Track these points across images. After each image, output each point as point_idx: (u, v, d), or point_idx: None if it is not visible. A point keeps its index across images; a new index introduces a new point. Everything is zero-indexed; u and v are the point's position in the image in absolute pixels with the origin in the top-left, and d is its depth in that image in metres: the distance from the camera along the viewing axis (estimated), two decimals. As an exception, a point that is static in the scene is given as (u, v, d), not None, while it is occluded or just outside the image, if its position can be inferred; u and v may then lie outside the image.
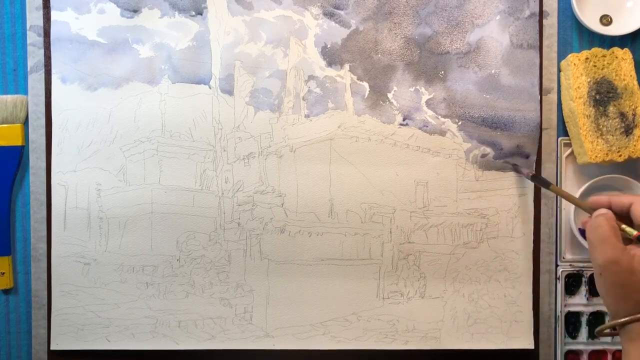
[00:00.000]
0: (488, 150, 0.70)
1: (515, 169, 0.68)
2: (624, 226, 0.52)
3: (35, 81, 0.69)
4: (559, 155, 0.70)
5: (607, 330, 0.51)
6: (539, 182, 0.66)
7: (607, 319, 0.51)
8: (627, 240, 0.51)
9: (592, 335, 0.71)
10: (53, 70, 0.68)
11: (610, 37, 0.69)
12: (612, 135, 0.67)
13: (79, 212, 0.69)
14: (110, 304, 0.69)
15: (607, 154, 0.66)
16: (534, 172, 0.65)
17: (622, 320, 0.48)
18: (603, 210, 0.52)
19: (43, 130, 0.69)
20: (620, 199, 0.53)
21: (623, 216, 0.52)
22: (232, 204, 0.69)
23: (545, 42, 0.70)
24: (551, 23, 0.70)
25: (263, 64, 0.69)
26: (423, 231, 0.70)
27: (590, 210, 0.55)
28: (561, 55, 0.70)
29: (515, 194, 0.70)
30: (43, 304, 0.69)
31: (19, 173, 0.70)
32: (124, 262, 0.69)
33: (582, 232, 0.70)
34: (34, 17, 0.68)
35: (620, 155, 0.67)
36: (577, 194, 0.69)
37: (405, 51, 0.69)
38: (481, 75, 0.69)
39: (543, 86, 0.70)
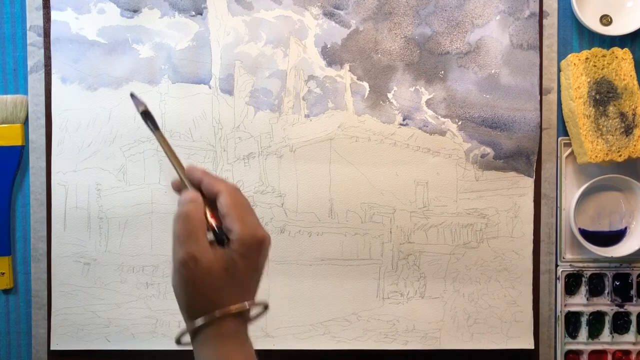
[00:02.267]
0: (488, 150, 0.70)
1: (132, 98, 0.53)
2: (209, 212, 0.45)
3: (35, 81, 0.69)
4: (559, 155, 0.70)
5: (185, 341, 0.45)
6: (149, 123, 0.51)
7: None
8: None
9: (592, 335, 0.71)
10: (53, 70, 0.68)
11: (610, 37, 0.69)
12: (612, 135, 0.67)
13: (79, 212, 0.69)
14: (110, 304, 0.69)
15: (607, 154, 0.67)
16: (147, 109, 0.51)
17: (201, 323, 0.43)
18: (194, 196, 0.46)
19: (43, 130, 0.69)
20: (212, 185, 0.46)
21: (212, 200, 0.46)
22: (232, 204, 0.69)
23: (545, 42, 0.70)
24: (551, 23, 0.70)
25: (263, 64, 0.69)
26: (423, 231, 0.70)
27: (184, 178, 0.48)
28: (561, 55, 0.70)
29: (515, 194, 0.70)
30: (43, 304, 0.69)
31: (19, 173, 0.70)
32: (124, 262, 0.69)
33: (582, 233, 0.70)
34: (34, 17, 0.68)
35: (620, 155, 0.67)
36: (577, 194, 0.69)
37: (405, 51, 0.69)
38: (481, 75, 0.69)
39: (543, 86, 0.70)
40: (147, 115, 0.51)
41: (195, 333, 0.44)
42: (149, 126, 0.51)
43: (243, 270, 0.44)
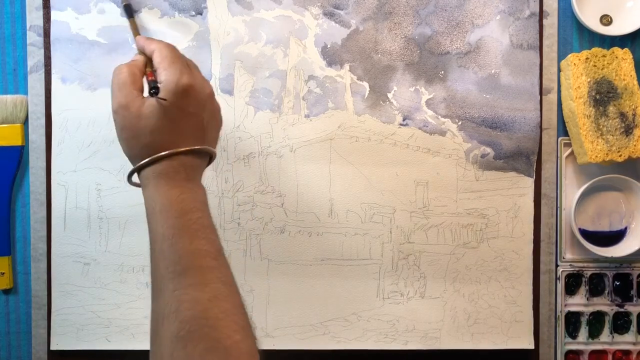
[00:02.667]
0: (488, 150, 0.70)
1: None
2: (147, 70, 0.51)
3: (35, 81, 0.69)
4: (559, 155, 0.70)
5: (135, 181, 0.51)
6: (125, 12, 0.65)
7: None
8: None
9: (592, 335, 0.71)
10: (53, 70, 0.68)
11: (610, 37, 0.69)
12: (612, 135, 0.67)
13: (79, 212, 0.69)
14: (110, 304, 0.69)
15: (607, 154, 0.66)
16: (128, 1, 0.64)
17: (136, 166, 0.48)
18: (137, 57, 0.53)
19: (43, 130, 0.69)
20: (149, 47, 0.52)
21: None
22: (232, 204, 0.69)
23: (545, 42, 0.70)
24: (551, 23, 0.70)
25: (263, 64, 0.69)
26: (423, 231, 0.70)
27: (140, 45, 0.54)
28: (561, 55, 0.70)
29: (515, 194, 0.70)
30: (43, 304, 0.69)
31: (19, 173, 0.70)
32: (124, 262, 0.69)
33: (582, 233, 0.70)
34: (34, 17, 0.68)
35: (620, 155, 0.67)
36: (577, 194, 0.69)
37: (405, 51, 0.69)
38: (481, 75, 0.69)
39: (543, 86, 0.70)
40: (127, 8, 0.64)
41: (140, 177, 0.49)
42: (127, 15, 0.63)
43: (172, 115, 0.48)
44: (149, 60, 0.52)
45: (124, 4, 0.65)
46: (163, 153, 0.48)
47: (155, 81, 0.49)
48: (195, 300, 0.44)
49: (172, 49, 0.51)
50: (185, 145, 0.48)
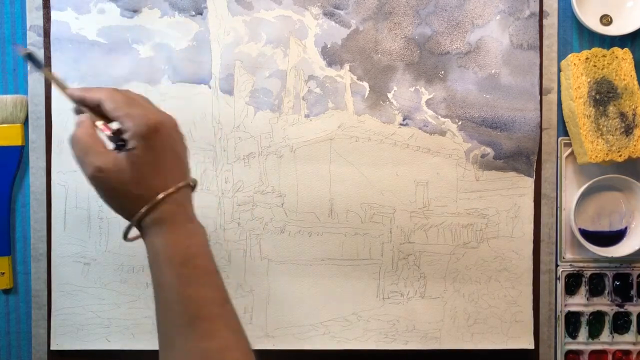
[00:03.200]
0: (488, 150, 0.70)
1: (16, 49, 0.58)
2: (99, 124, 0.48)
3: (35, 81, 0.69)
4: (559, 155, 0.70)
5: (132, 235, 0.48)
6: (33, 63, 0.53)
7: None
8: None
9: (592, 335, 0.71)
10: (53, 70, 0.68)
11: (610, 37, 0.69)
12: (612, 135, 0.67)
13: (79, 212, 0.69)
14: (110, 304, 0.69)
15: (607, 154, 0.66)
16: (29, 50, 0.53)
17: (132, 221, 0.46)
18: (78, 118, 0.48)
19: (43, 130, 0.69)
20: (92, 98, 0.48)
21: (99, 112, 0.48)
22: (232, 204, 0.69)
23: (545, 42, 0.70)
24: (551, 23, 0.70)
25: (263, 64, 0.69)
26: (423, 231, 0.70)
27: (75, 103, 0.50)
28: (561, 55, 0.70)
29: (515, 194, 0.70)
30: (43, 304, 0.69)
31: (19, 173, 0.70)
32: (124, 262, 0.69)
33: (582, 233, 0.70)
34: (34, 17, 0.68)
35: (620, 155, 0.67)
36: (577, 194, 0.69)
37: (405, 51, 0.69)
38: (481, 75, 0.69)
39: (543, 86, 0.70)
40: (29, 56, 0.53)
41: (140, 229, 0.47)
42: (34, 65, 0.53)
43: (150, 158, 0.46)
44: (93, 111, 0.48)
45: (25, 53, 0.52)
46: (158, 198, 0.46)
47: (117, 133, 0.47)
48: (205, 352, 0.43)
49: (119, 91, 0.48)
50: (174, 184, 0.47)
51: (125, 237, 0.49)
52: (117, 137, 0.47)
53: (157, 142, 0.46)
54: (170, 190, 0.46)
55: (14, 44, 0.58)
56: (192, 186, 0.49)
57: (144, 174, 0.46)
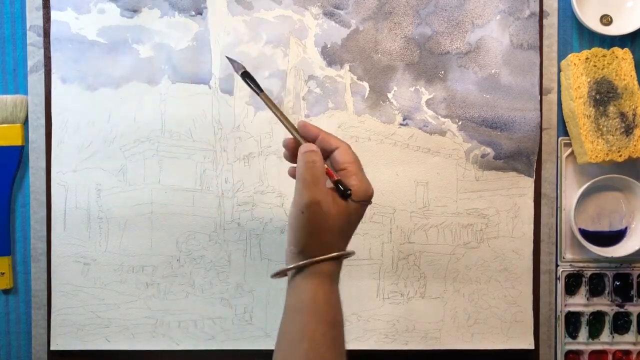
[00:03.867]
0: (488, 150, 0.70)
1: (230, 61, 0.58)
2: (326, 164, 0.51)
3: (35, 81, 0.69)
4: (559, 155, 0.70)
5: (290, 273, 0.51)
6: (250, 84, 0.56)
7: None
8: None
9: (592, 335, 0.71)
10: (53, 70, 0.68)
11: (610, 37, 0.69)
12: (612, 135, 0.67)
13: (79, 212, 0.69)
14: (110, 304, 0.69)
15: (607, 154, 0.66)
16: (246, 70, 0.57)
17: (318, 259, 0.48)
18: (314, 147, 0.51)
19: (43, 130, 0.69)
20: (329, 140, 0.52)
21: (324, 156, 0.51)
22: (232, 204, 0.69)
23: (545, 42, 0.70)
24: (551, 23, 0.70)
25: (263, 64, 0.69)
26: (423, 231, 0.70)
27: (298, 135, 0.53)
28: (561, 55, 0.70)
29: (515, 194, 0.70)
30: (43, 304, 0.69)
31: (19, 173, 0.70)
32: (124, 262, 0.69)
33: (582, 233, 0.70)
34: (34, 17, 0.68)
35: (620, 155, 0.67)
36: (577, 194, 0.69)
37: (405, 51, 0.69)
38: (481, 75, 0.69)
39: (543, 86, 0.70)
40: (247, 76, 0.56)
41: (300, 268, 0.49)
42: (251, 87, 0.56)
43: (352, 221, 0.51)
44: (323, 154, 0.51)
45: (241, 72, 0.56)
46: (341, 253, 0.49)
47: (342, 182, 0.50)
48: None
49: (352, 150, 0.52)
50: (344, 249, 0.50)
51: (277, 273, 0.51)
52: (344, 185, 0.50)
53: (362, 211, 0.51)
54: (349, 252, 0.50)
55: (229, 57, 0.59)
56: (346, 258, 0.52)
57: (342, 229, 0.50)
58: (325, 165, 0.50)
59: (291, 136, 0.53)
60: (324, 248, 0.49)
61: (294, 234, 0.49)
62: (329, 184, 0.50)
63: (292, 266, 0.49)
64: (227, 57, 0.60)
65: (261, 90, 0.56)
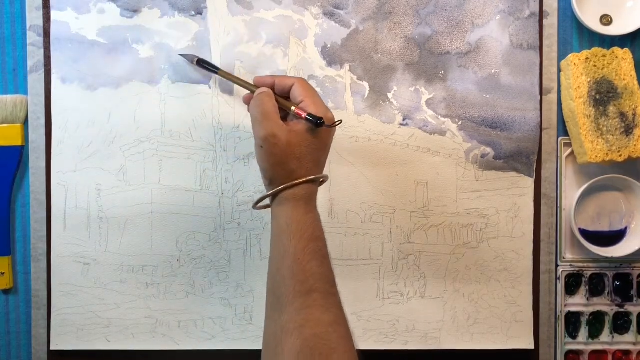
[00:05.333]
0: (488, 150, 0.70)
1: (183, 56, 0.67)
2: (285, 102, 0.56)
3: (35, 81, 0.69)
4: (559, 155, 0.70)
5: (263, 203, 0.56)
6: (207, 67, 0.66)
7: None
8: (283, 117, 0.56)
9: (592, 335, 0.71)
10: (53, 70, 0.68)
11: (610, 37, 0.69)
12: (612, 135, 0.67)
13: (79, 212, 0.69)
14: (110, 304, 0.69)
15: (607, 154, 0.66)
16: (199, 57, 0.66)
17: (281, 187, 0.52)
18: (264, 89, 0.57)
19: (43, 130, 0.69)
20: (283, 80, 0.57)
21: (284, 96, 0.57)
22: (232, 204, 0.69)
23: (545, 42, 0.70)
24: (551, 23, 0.70)
25: (263, 64, 0.69)
26: (423, 231, 0.70)
27: (255, 89, 0.58)
28: (561, 55, 0.70)
29: (516, 194, 0.70)
30: (43, 304, 0.69)
31: (19, 173, 0.70)
32: (124, 262, 0.69)
33: (582, 233, 0.70)
34: (34, 17, 0.68)
35: (620, 155, 0.67)
36: (577, 194, 0.69)
37: (405, 51, 0.69)
38: (481, 75, 0.69)
39: (543, 86, 0.70)
40: (201, 63, 0.65)
41: (275, 196, 0.53)
42: (210, 70, 0.65)
43: (315, 146, 0.53)
44: (278, 94, 0.57)
45: (196, 60, 0.66)
46: (309, 178, 0.53)
47: (313, 115, 0.53)
48: (319, 321, 0.48)
49: (307, 83, 0.57)
50: (318, 173, 0.54)
51: (256, 204, 0.56)
52: (312, 115, 0.53)
53: (325, 135, 0.54)
54: (319, 175, 0.54)
55: (181, 54, 0.67)
56: (323, 181, 0.56)
57: (306, 155, 0.53)
58: (293, 108, 0.54)
59: (249, 92, 0.60)
60: (292, 175, 0.52)
61: (261, 167, 0.54)
62: (302, 122, 0.54)
63: (262, 196, 0.55)
64: (180, 55, 0.67)
65: (218, 69, 0.64)
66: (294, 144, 0.52)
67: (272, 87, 0.57)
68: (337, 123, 0.54)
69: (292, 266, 0.50)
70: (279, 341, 0.47)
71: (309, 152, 0.53)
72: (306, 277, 0.49)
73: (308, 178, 0.52)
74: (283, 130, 0.52)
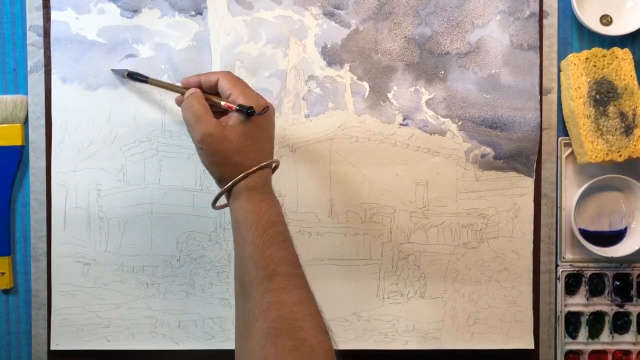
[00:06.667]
0: (488, 150, 0.70)
1: (114, 72, 0.68)
2: (214, 99, 0.56)
3: (35, 81, 0.69)
4: (559, 155, 0.70)
5: (220, 202, 0.56)
6: (138, 79, 0.66)
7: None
8: (220, 113, 0.56)
9: (592, 335, 0.71)
10: (53, 70, 0.68)
11: (610, 37, 0.69)
12: (612, 135, 0.67)
13: (79, 212, 0.69)
14: (110, 304, 0.69)
15: (607, 154, 0.67)
16: (129, 71, 0.66)
17: (230, 183, 0.53)
18: (192, 90, 0.57)
19: (43, 130, 0.69)
20: (208, 77, 0.58)
21: (213, 92, 0.58)
22: (232, 204, 0.69)
23: (545, 42, 0.70)
24: (551, 23, 0.70)
25: (263, 64, 0.69)
26: (423, 231, 0.70)
27: (185, 91, 0.59)
28: (561, 55, 0.70)
29: (515, 194, 0.70)
30: (43, 304, 0.69)
31: (19, 173, 0.70)
32: (124, 262, 0.69)
33: (582, 233, 0.70)
34: (34, 17, 0.68)
35: (620, 155, 0.67)
36: (577, 194, 0.69)
37: (405, 51, 0.69)
38: (481, 75, 0.69)
39: (543, 86, 0.70)
40: (132, 75, 0.66)
41: (228, 192, 0.54)
42: (140, 81, 0.65)
43: (254, 135, 0.54)
44: (207, 91, 0.58)
45: (127, 74, 0.66)
46: (254, 168, 0.53)
47: (243, 105, 0.54)
48: (282, 303, 0.48)
49: (234, 74, 0.57)
50: (265, 160, 0.54)
51: (214, 204, 0.56)
52: (249, 107, 0.53)
53: (262, 121, 0.55)
54: (264, 164, 0.54)
55: (113, 69, 0.68)
56: (275, 166, 0.57)
57: (246, 146, 0.53)
58: (223, 102, 0.55)
59: (179, 94, 0.61)
60: (237, 168, 0.53)
61: (208, 170, 0.55)
62: (235, 114, 0.54)
63: (216, 195, 0.55)
64: (111, 70, 0.67)
65: (148, 78, 0.65)
66: (231, 138, 0.53)
67: (200, 86, 0.58)
68: (264, 110, 0.54)
69: (252, 254, 0.51)
70: (248, 327, 0.48)
71: (249, 142, 0.54)
72: (267, 263, 0.50)
73: (254, 168, 0.53)
74: (217, 128, 0.53)
